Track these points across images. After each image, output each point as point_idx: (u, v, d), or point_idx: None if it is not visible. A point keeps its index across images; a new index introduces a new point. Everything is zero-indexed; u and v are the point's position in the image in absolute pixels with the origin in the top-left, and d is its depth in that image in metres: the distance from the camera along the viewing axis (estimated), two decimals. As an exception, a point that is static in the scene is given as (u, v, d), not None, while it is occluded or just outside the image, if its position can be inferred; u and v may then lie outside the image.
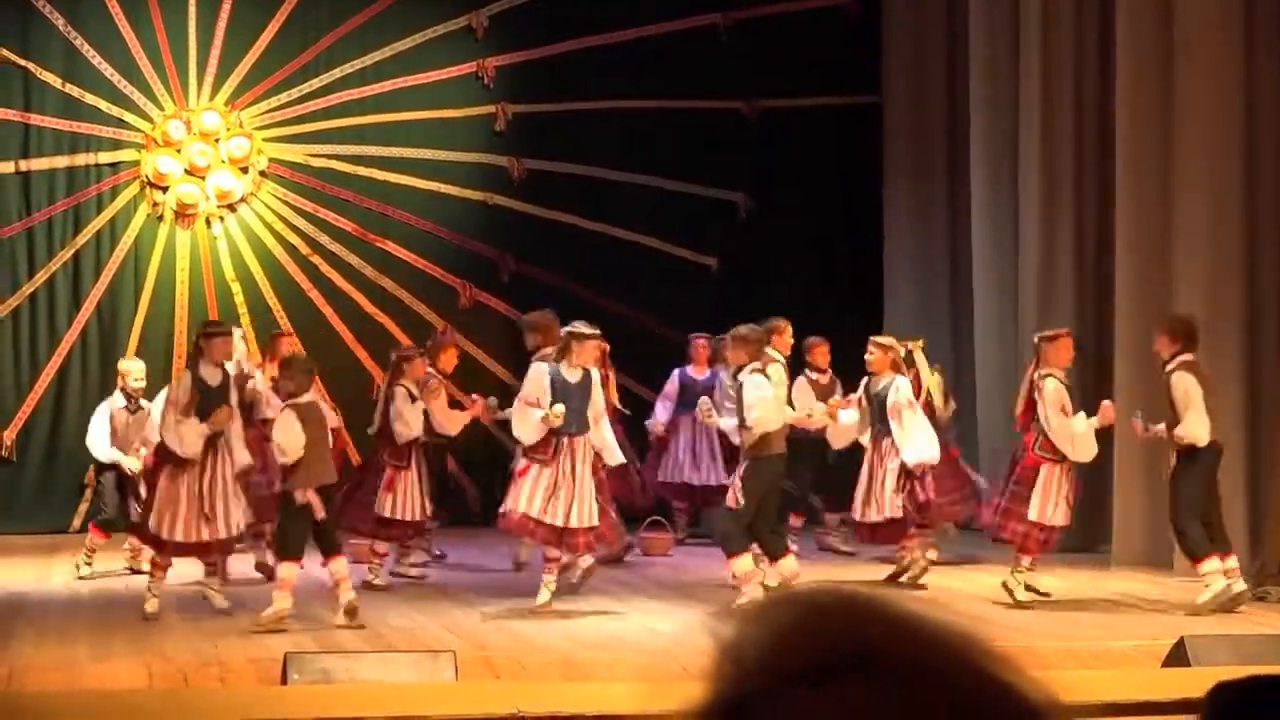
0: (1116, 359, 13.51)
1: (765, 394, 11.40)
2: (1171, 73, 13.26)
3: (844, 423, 12.55)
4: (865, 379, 12.58)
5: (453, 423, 13.14)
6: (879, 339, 12.72)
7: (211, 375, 11.15)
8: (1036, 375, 11.50)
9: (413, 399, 12.62)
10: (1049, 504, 11.42)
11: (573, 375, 11.34)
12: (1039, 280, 14.84)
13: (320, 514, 10.68)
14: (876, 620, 1.09)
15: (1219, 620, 10.55)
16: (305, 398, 10.88)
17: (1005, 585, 11.49)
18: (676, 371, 15.10)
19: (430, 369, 13.10)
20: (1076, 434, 11.42)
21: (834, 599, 1.12)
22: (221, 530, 10.99)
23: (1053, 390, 11.40)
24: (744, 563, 11.34)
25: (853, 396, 12.75)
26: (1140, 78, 13.57)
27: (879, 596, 1.11)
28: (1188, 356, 11.35)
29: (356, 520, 12.43)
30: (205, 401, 11.00)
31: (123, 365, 13.73)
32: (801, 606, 1.11)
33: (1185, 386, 11.27)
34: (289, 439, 10.65)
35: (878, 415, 12.33)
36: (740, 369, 11.58)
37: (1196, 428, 11.21)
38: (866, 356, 12.48)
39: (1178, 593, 11.64)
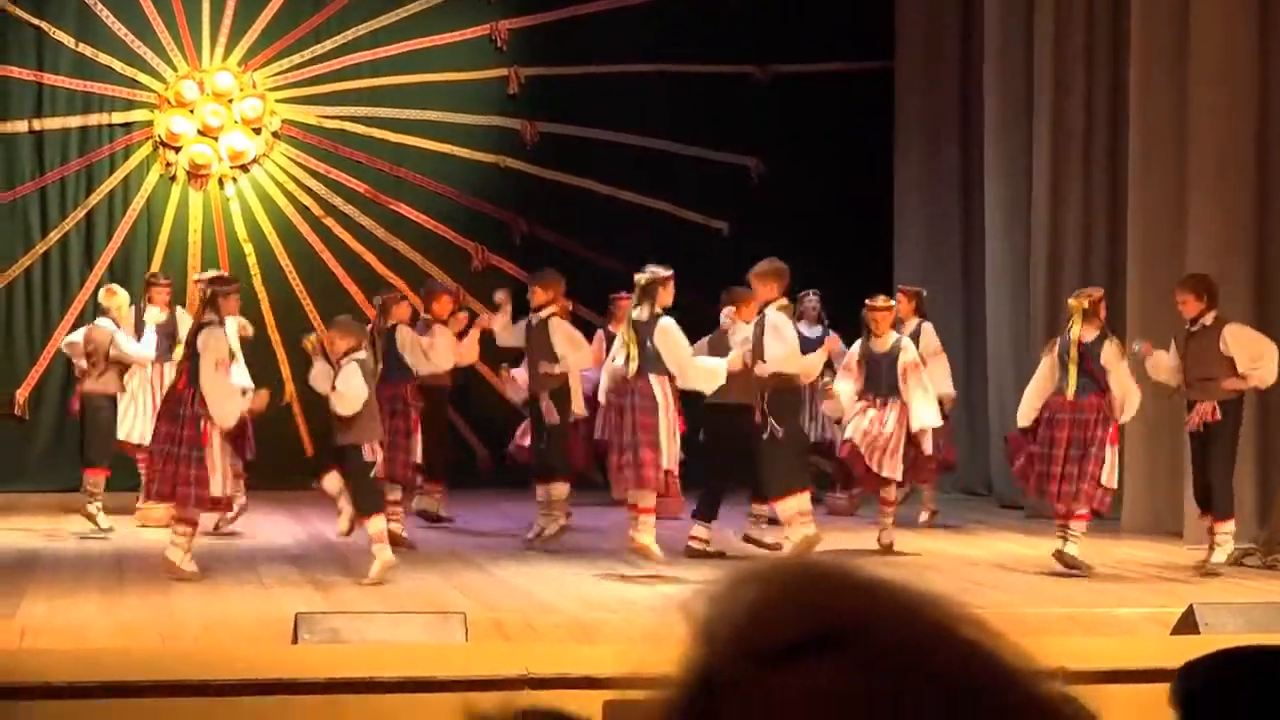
0: (1128, 321, 13.48)
1: (792, 335, 11.48)
2: (1186, 35, 13.20)
3: (843, 392, 12.29)
4: (862, 339, 12.39)
5: (465, 352, 13.09)
6: (877, 300, 12.42)
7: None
8: (1099, 335, 11.14)
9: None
10: (1115, 466, 11.22)
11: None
12: (1050, 245, 14.82)
13: (381, 470, 10.81)
14: (847, 592, 1.01)
15: (1228, 588, 10.55)
16: (362, 354, 10.95)
17: (1066, 554, 11.06)
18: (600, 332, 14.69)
19: (425, 315, 13.11)
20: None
21: (807, 571, 1.04)
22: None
23: (1118, 345, 11.30)
24: (793, 504, 11.40)
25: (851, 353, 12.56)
26: (1154, 41, 13.53)
27: (854, 567, 1.03)
28: (1218, 312, 11.39)
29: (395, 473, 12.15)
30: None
31: (113, 300, 13.45)
32: (775, 580, 1.03)
33: (1249, 332, 11.34)
34: (354, 390, 10.70)
35: (885, 374, 12.10)
36: (768, 304, 11.58)
37: (1274, 367, 11.24)
38: (874, 316, 12.24)
39: (1187, 560, 11.64)
